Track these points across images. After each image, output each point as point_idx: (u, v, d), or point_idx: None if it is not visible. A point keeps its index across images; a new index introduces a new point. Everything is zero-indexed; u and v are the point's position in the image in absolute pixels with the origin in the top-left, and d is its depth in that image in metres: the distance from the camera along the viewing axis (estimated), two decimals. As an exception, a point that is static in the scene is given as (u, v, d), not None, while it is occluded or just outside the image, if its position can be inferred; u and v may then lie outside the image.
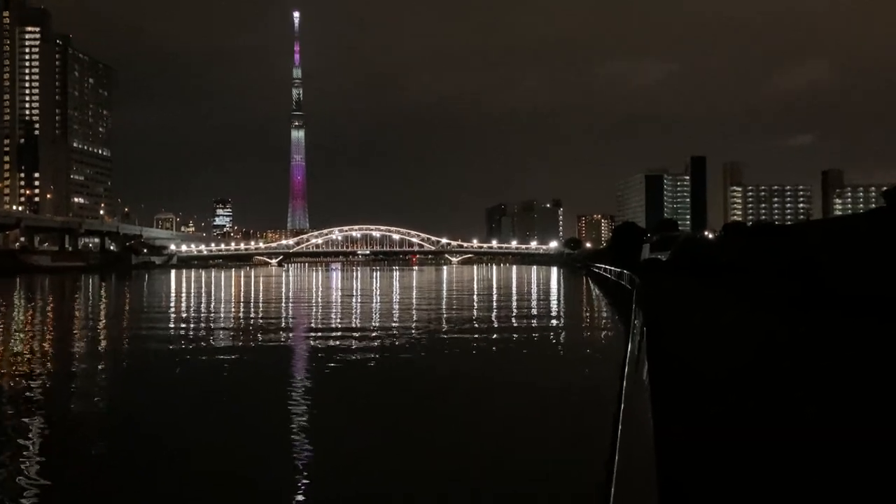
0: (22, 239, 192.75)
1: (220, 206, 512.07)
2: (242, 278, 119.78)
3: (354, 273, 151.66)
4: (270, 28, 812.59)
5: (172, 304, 53.19)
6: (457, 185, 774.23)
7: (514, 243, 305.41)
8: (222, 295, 66.42)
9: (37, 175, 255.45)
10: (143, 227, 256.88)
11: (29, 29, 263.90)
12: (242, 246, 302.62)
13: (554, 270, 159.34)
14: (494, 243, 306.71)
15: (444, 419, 14.86)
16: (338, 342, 27.64)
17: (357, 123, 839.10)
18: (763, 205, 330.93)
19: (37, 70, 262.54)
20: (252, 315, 43.08)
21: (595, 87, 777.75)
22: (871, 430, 6.60)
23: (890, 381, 8.76)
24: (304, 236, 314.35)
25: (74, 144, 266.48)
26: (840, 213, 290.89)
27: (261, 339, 29.14)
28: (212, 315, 42.61)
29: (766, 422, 6.96)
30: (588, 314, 44.27)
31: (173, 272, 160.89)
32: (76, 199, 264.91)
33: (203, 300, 58.38)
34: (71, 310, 48.47)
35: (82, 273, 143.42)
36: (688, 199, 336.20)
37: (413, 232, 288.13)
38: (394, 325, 34.83)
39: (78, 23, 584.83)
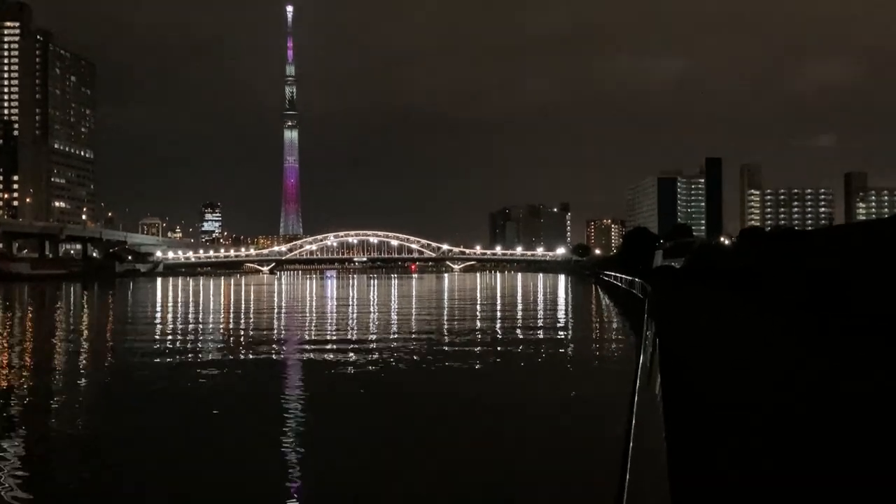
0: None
1: (209, 210, 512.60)
2: (232, 287, 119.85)
3: (351, 281, 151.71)
4: (262, 24, 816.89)
5: (158, 316, 53.15)
6: (459, 189, 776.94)
7: (519, 250, 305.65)
8: (210, 305, 66.40)
9: (15, 178, 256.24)
10: (127, 233, 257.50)
11: (8, 24, 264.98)
12: (232, 252, 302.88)
13: (561, 278, 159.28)
14: (498, 250, 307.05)
15: (441, 456, 14.78)
16: (332, 356, 27.58)
17: (353, 123, 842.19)
18: (782, 209, 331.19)
19: (16, 67, 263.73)
20: (241, 328, 43.03)
21: (605, 85, 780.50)
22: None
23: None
24: (298, 242, 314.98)
25: (55, 145, 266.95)
26: (864, 217, 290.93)
27: (250, 356, 29.00)
28: (199, 327, 42.53)
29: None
30: (598, 326, 44.21)
31: (159, 280, 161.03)
32: (57, 204, 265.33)
33: (190, 311, 58.34)
34: (49, 322, 48.42)
35: (63, 281, 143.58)
36: (702, 203, 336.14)
37: (412, 238, 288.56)
38: (392, 341, 34.74)
39: (59, 17, 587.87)
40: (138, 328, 41.43)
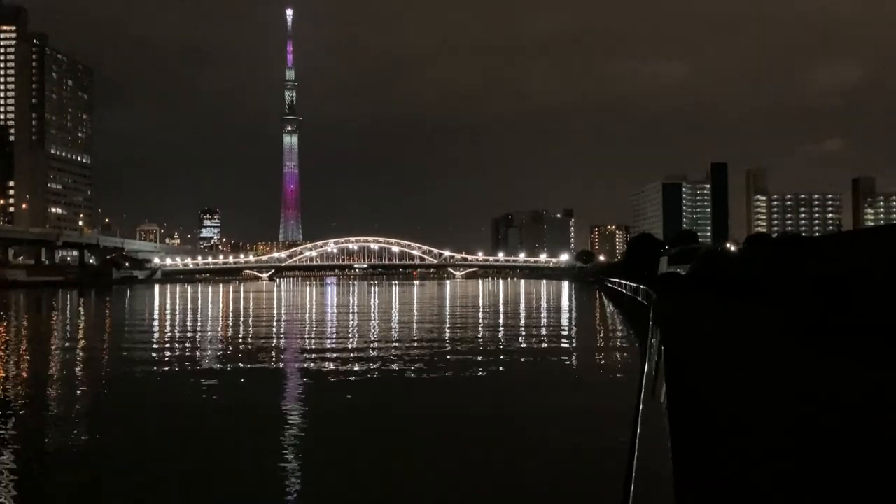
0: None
1: (208, 216, 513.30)
2: (231, 294, 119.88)
3: (351, 288, 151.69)
4: (261, 27, 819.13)
5: (155, 324, 53.21)
6: (461, 194, 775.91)
7: (522, 256, 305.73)
8: (209, 313, 66.41)
9: (11, 183, 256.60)
10: (124, 240, 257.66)
11: (4, 28, 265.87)
12: (231, 259, 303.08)
13: (565, 285, 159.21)
14: (501, 256, 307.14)
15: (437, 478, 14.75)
16: (331, 366, 27.56)
17: (354, 128, 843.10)
18: (789, 215, 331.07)
19: (12, 71, 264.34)
20: (240, 337, 43.11)
21: (609, 89, 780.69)
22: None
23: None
24: (298, 249, 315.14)
25: (52, 151, 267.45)
26: (872, 223, 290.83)
27: (248, 366, 28.98)
28: (196, 336, 42.55)
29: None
30: (602, 335, 44.19)
31: (157, 287, 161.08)
32: (53, 210, 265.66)
33: (187, 319, 58.35)
34: (44, 330, 48.48)
35: (60, 289, 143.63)
36: (708, 209, 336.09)
37: (414, 244, 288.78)
38: (393, 350, 34.77)
39: (56, 21, 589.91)
40: (135, 337, 41.44)
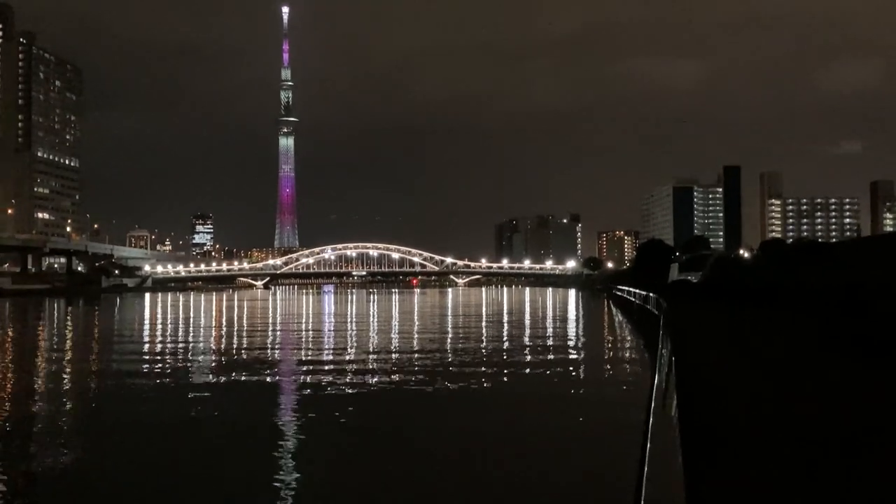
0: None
1: (200, 222, 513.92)
2: (224, 303, 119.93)
3: (349, 297, 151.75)
4: (256, 25, 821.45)
5: (145, 334, 53.21)
6: (463, 199, 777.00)
7: (526, 263, 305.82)
8: (201, 322, 66.43)
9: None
10: (114, 246, 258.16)
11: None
12: (225, 266, 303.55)
13: (572, 293, 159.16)
14: (505, 263, 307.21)
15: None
16: (328, 378, 27.40)
17: (352, 130, 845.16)
18: (805, 220, 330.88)
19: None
20: (233, 349, 43.12)
21: (617, 89, 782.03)
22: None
23: None
24: (294, 256, 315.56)
25: (39, 153, 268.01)
26: (891, 228, 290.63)
27: (242, 378, 28.84)
28: (188, 347, 42.52)
29: None
30: (610, 346, 44.14)
31: (148, 296, 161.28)
32: (40, 215, 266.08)
33: (179, 329, 58.34)
34: (29, 341, 48.47)
35: (47, 297, 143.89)
36: (720, 214, 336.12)
37: (414, 250, 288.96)
38: (393, 363, 34.75)
39: (44, 19, 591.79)
40: (124, 348, 41.40)
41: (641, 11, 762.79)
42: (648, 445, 5.63)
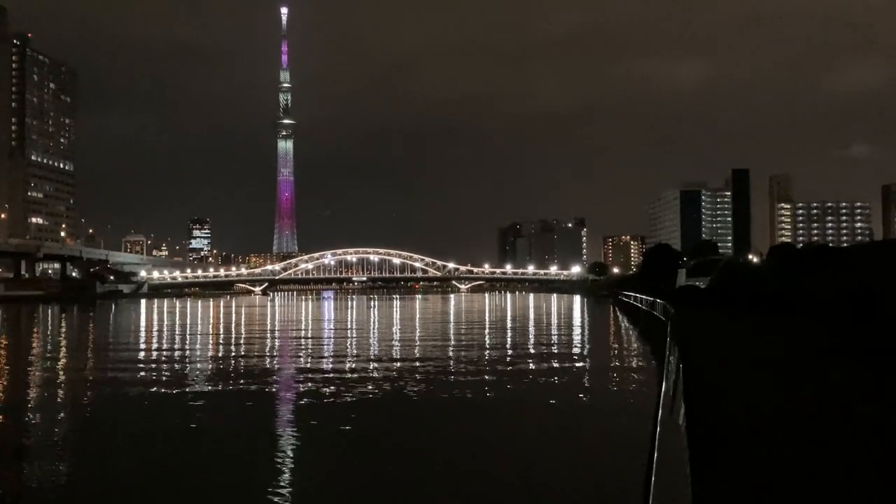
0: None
1: (197, 227, 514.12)
2: (221, 309, 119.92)
3: (349, 303, 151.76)
4: (255, 26, 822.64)
5: (141, 342, 53.25)
6: (466, 203, 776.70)
7: (530, 268, 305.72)
8: (198, 329, 66.41)
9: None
10: (109, 251, 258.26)
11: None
12: (222, 272, 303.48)
13: (577, 299, 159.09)
14: (508, 268, 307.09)
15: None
16: (328, 388, 27.40)
17: (352, 134, 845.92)
18: (815, 224, 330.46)
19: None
20: (230, 357, 43.09)
21: (624, 91, 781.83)
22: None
23: None
24: (293, 261, 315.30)
25: (32, 157, 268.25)
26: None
27: (239, 387, 28.90)
28: (184, 355, 42.58)
29: None
30: (616, 354, 44.10)
31: (143, 302, 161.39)
32: (34, 220, 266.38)
33: (175, 337, 58.34)
34: (22, 349, 48.48)
35: (40, 303, 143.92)
36: (729, 218, 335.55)
37: (416, 256, 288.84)
38: (394, 372, 34.75)
39: (37, 20, 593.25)
40: (119, 356, 41.43)
41: (642, 11, 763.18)
42: (656, 453, 5.64)
